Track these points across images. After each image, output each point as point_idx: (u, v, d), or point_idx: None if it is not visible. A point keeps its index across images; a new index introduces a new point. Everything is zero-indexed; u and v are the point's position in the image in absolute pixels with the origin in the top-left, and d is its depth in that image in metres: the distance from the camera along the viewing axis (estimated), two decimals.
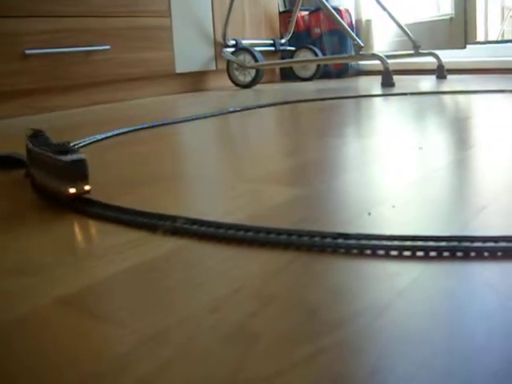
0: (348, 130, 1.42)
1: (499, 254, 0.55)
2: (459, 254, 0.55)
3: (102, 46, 2.42)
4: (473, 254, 0.55)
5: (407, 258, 0.55)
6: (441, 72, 2.86)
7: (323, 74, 3.23)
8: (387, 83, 2.44)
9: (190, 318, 0.45)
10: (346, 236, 0.59)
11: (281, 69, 3.39)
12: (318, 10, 3.29)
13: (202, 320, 0.45)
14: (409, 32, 2.89)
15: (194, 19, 2.85)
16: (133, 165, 1.10)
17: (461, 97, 2.03)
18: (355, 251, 0.57)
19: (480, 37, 4.00)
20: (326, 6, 2.61)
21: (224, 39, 2.92)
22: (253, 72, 2.85)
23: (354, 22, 3.43)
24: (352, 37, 2.49)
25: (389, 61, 2.65)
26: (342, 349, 0.39)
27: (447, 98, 2.03)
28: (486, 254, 0.55)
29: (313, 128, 1.51)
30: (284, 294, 0.49)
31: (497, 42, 3.27)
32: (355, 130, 1.42)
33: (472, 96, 2.03)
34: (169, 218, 0.69)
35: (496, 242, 0.56)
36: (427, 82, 2.69)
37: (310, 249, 0.58)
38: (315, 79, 3.15)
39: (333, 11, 2.59)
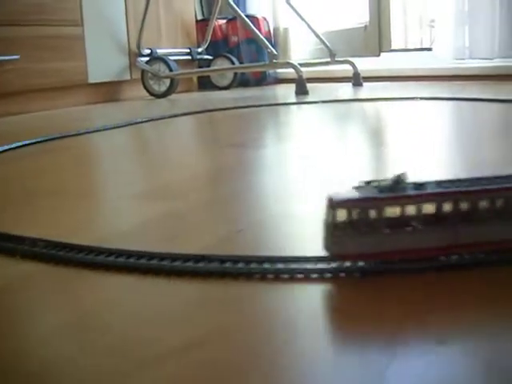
0: (250, 139, 1.38)
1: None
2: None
3: (10, 55, 2.33)
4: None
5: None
6: (357, 79, 2.86)
7: (241, 82, 3.20)
8: (301, 91, 2.42)
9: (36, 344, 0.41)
10: (209, 258, 0.55)
11: (198, 78, 3.34)
12: (235, 18, 3.26)
13: (43, 347, 0.40)
14: (325, 40, 2.89)
15: (108, 28, 2.78)
16: (17, 181, 1.04)
17: (370, 104, 2.03)
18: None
19: (400, 44, 4.06)
20: (239, 15, 2.59)
21: (138, 48, 2.86)
22: (168, 81, 2.79)
23: (271, 31, 3.42)
24: (265, 45, 2.47)
25: (306, 69, 2.63)
26: None
27: (357, 105, 2.03)
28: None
29: (217, 137, 1.47)
30: (123, 322, 0.45)
31: (409, 50, 3.31)
32: (257, 139, 1.39)
33: (383, 103, 2.03)
34: (29, 240, 0.64)
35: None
36: (342, 90, 2.69)
37: (169, 273, 0.54)
38: (233, 88, 3.12)
39: (246, 19, 2.57)
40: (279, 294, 0.49)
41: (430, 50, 3.16)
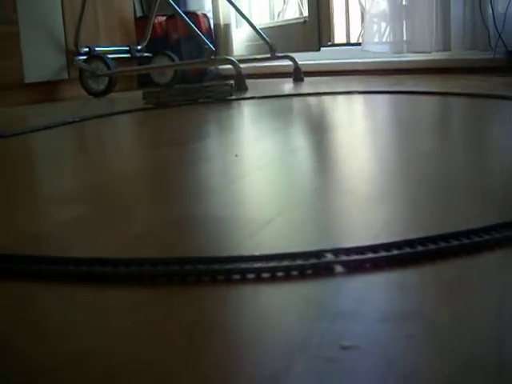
0: (172, 137, 1.36)
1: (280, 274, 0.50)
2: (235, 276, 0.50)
3: None
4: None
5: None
6: (298, 74, 2.86)
7: (182, 79, 3.16)
8: (240, 87, 2.39)
9: None
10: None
11: (138, 76, 3.28)
12: (175, 15, 3.22)
13: None
14: (264, 35, 2.87)
15: (44, 26, 2.71)
16: None
17: (310, 99, 2.02)
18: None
19: (342, 39, 4.07)
20: (177, 12, 2.56)
21: (76, 47, 2.80)
22: (106, 80, 2.75)
23: (212, 27, 3.39)
24: (203, 42, 2.44)
25: (246, 65, 2.61)
26: None
27: (296, 100, 2.02)
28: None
29: (139, 138, 1.45)
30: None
31: (349, 44, 3.32)
32: (180, 137, 1.36)
33: (320, 98, 2.03)
34: None
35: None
36: (282, 85, 2.68)
37: None
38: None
39: (184, 16, 2.54)
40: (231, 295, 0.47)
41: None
